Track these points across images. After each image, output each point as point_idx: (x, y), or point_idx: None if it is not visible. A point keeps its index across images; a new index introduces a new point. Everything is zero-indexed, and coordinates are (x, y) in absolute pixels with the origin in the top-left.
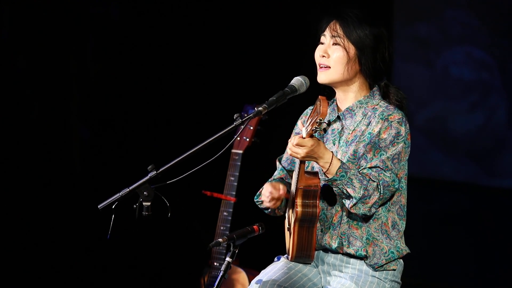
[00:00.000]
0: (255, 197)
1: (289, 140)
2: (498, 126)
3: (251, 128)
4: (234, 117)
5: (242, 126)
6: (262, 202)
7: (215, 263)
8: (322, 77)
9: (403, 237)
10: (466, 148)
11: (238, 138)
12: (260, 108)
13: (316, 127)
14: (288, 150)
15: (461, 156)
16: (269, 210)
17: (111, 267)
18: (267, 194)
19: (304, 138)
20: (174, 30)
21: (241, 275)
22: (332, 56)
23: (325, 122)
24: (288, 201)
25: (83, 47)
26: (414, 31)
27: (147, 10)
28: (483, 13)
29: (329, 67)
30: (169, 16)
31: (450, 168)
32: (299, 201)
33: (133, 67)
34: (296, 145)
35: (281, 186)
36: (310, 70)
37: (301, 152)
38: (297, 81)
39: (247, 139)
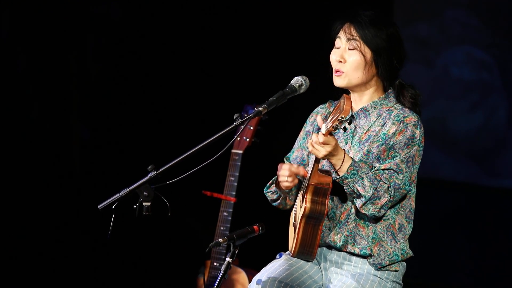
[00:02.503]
0: (265, 188)
1: (303, 136)
2: (498, 126)
3: (251, 128)
4: (234, 117)
5: (242, 126)
6: (273, 192)
7: (215, 263)
8: (339, 82)
9: (407, 241)
10: (466, 148)
11: (238, 138)
12: (260, 108)
13: (337, 125)
14: (310, 146)
15: (461, 156)
16: (279, 202)
17: (111, 267)
18: (286, 173)
19: (324, 134)
20: (175, 30)
21: (241, 275)
22: (349, 60)
23: (346, 121)
24: (297, 192)
25: (83, 47)
26: (414, 31)
27: (148, 10)
28: (483, 13)
29: (346, 72)
30: (169, 16)
31: (450, 168)
32: (308, 197)
33: (133, 67)
34: (322, 144)
35: (296, 165)
36: (311, 70)
37: (324, 150)
38: (297, 81)
39: (247, 139)
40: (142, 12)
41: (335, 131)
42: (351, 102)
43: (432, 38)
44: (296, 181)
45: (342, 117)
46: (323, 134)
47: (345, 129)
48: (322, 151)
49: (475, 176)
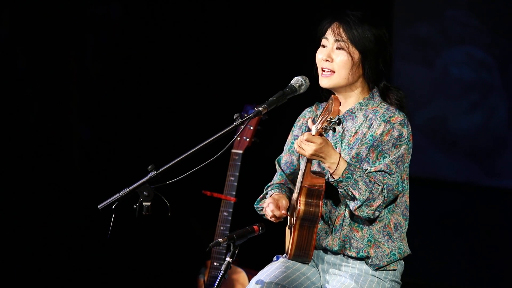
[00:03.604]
0: (256, 203)
1: (292, 140)
2: (498, 126)
3: (251, 128)
4: (234, 117)
5: (242, 126)
6: (262, 209)
7: (215, 263)
8: (326, 82)
9: (405, 238)
10: (466, 148)
11: (238, 138)
12: (260, 108)
13: (326, 126)
14: (296, 146)
15: (461, 156)
16: None
17: (111, 267)
18: (269, 213)
19: (313, 136)
20: (175, 30)
21: (241, 275)
22: (336, 60)
23: (335, 121)
24: (290, 204)
25: (83, 47)
26: (414, 31)
27: (147, 10)
28: (483, 13)
29: (333, 72)
30: (169, 16)
31: (450, 168)
32: (302, 199)
33: (133, 67)
34: (306, 141)
35: (284, 204)
36: (311, 70)
37: (309, 149)
38: (297, 81)
39: (247, 139)
40: (142, 12)
41: (325, 133)
42: (340, 102)
43: (432, 38)
44: (279, 220)
45: (331, 118)
46: (313, 136)
47: (334, 130)
48: (307, 149)
49: (475, 176)
